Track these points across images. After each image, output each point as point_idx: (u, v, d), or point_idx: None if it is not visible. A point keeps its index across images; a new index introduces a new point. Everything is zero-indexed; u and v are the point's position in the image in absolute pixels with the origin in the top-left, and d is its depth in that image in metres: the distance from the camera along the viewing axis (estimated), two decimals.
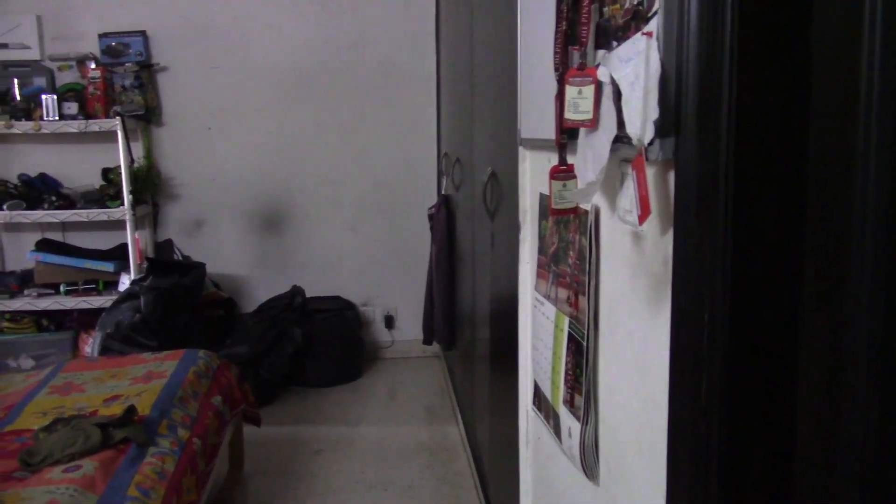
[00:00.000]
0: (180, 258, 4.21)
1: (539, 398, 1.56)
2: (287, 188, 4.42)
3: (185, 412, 2.38)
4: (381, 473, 3.07)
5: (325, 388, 4.04)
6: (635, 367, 1.09)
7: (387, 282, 4.52)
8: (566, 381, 1.35)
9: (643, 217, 0.96)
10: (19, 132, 3.95)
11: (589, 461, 1.27)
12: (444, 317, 3.63)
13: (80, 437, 1.97)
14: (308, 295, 4.17)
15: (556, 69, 1.27)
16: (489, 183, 2.26)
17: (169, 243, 4.31)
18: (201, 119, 4.34)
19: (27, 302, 3.97)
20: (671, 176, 0.94)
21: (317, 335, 4.03)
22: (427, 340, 4.05)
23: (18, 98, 4.02)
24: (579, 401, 1.28)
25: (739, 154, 0.82)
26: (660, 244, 0.99)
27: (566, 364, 1.35)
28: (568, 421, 1.34)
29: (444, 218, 3.65)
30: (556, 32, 1.27)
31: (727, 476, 0.87)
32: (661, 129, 0.91)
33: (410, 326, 4.48)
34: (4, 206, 3.91)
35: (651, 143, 0.92)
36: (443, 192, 4.04)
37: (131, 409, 2.17)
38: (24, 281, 4.09)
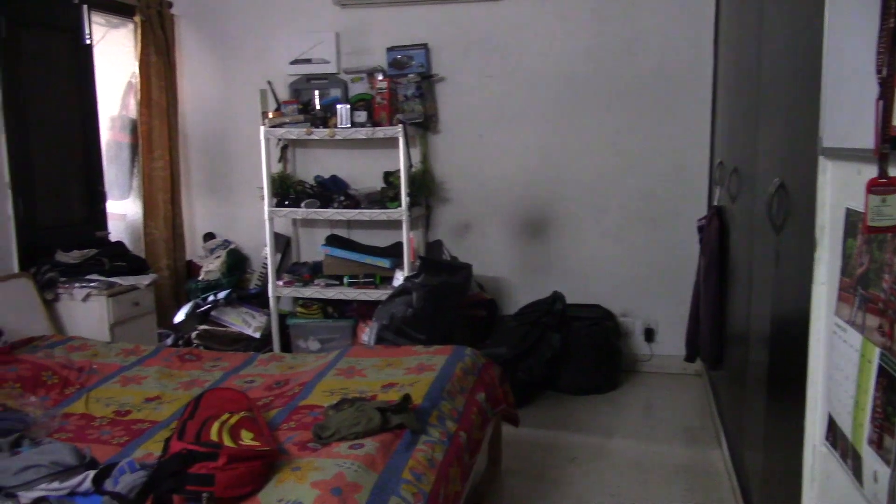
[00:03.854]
0: (449, 258, 4.43)
1: (834, 434, 1.42)
2: (552, 195, 4.47)
3: (452, 405, 2.50)
4: (637, 491, 2.98)
5: (580, 396, 4.02)
6: None
7: (649, 293, 4.39)
8: (873, 419, 1.20)
9: None
10: (317, 138, 4.42)
11: None
12: (711, 334, 3.44)
13: (363, 419, 2.15)
14: (568, 301, 4.18)
15: (878, 71, 1.14)
16: (776, 195, 2.10)
17: (439, 244, 4.56)
18: (474, 126, 4.54)
19: (316, 291, 4.43)
20: None
21: (574, 342, 4.04)
22: (690, 357, 3.86)
23: (318, 107, 4.50)
24: (890, 443, 1.14)
25: None
26: None
27: (874, 400, 1.21)
28: (873, 464, 1.20)
29: (715, 230, 3.45)
30: (881, 30, 1.14)
31: None
32: None
33: (671, 341, 4.32)
34: (303, 204, 4.40)
35: None
36: (715, 203, 3.83)
37: (407, 398, 2.32)
38: (314, 272, 4.57)
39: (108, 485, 1.91)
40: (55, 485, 1.93)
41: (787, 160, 2.08)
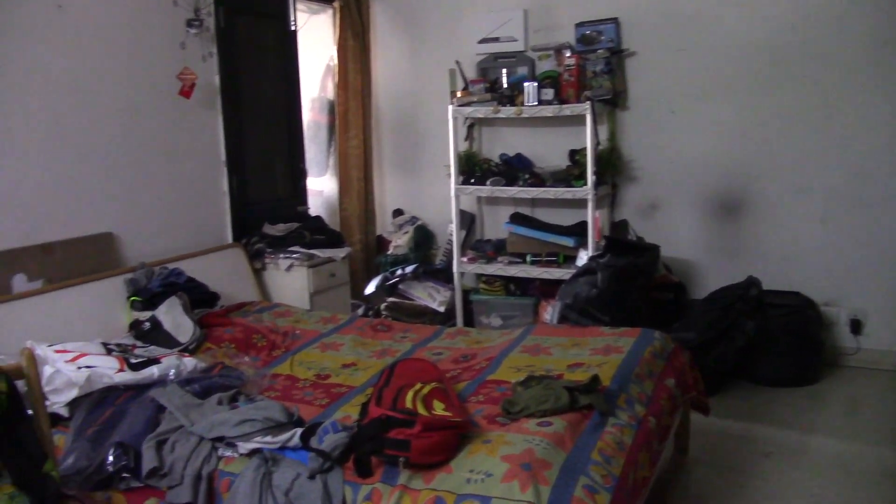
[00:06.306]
0: (634, 239, 4.31)
1: None
2: (748, 174, 4.22)
3: (641, 389, 2.45)
4: (840, 494, 2.77)
5: (775, 388, 3.79)
6: None
7: (856, 282, 4.03)
8: None
9: None
10: (504, 116, 4.44)
11: None
12: None
13: (551, 397, 2.16)
14: (764, 287, 3.93)
15: None
16: None
17: (624, 223, 4.45)
18: (665, 102, 4.37)
19: (500, 268, 4.48)
20: None
21: (770, 331, 3.80)
22: None
23: (505, 86, 4.52)
24: None
25: None
26: None
27: None
28: None
29: None
30: None
31: None
32: None
33: (882, 334, 3.96)
34: (488, 182, 4.46)
35: None
36: None
37: (596, 379, 2.29)
38: (497, 249, 4.63)
39: (314, 442, 2.06)
40: (268, 438, 2.11)
41: None
